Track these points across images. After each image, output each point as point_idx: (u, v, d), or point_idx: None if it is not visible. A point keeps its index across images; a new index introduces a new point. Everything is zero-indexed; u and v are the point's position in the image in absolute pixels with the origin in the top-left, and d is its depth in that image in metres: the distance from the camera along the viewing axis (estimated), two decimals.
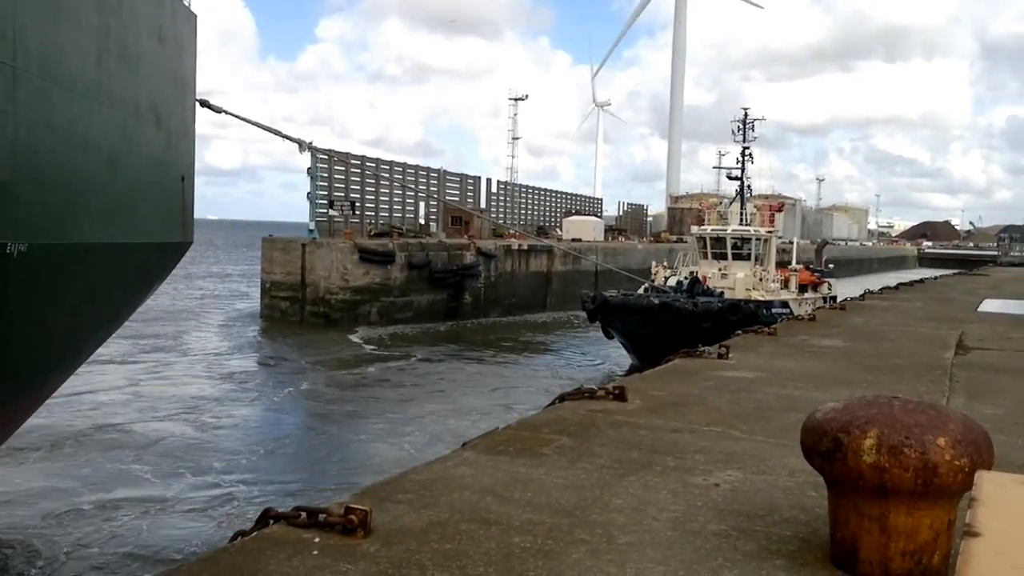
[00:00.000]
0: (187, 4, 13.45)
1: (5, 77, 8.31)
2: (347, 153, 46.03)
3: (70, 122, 9.74)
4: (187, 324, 39.36)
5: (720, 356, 8.18)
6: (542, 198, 75.59)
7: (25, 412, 11.91)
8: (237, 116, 16.11)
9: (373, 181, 48.72)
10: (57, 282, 9.90)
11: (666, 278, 35.88)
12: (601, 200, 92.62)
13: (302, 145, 18.05)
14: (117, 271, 11.74)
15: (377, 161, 50.19)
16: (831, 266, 48.51)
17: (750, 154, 40.41)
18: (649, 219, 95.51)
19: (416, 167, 54.94)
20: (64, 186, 9.71)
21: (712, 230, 37.60)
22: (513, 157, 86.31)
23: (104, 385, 23.14)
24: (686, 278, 34.19)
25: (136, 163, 11.68)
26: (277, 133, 16.87)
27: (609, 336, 32.22)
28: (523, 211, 70.56)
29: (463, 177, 60.30)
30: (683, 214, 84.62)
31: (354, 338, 35.10)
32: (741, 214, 39.11)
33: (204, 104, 14.97)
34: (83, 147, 10.15)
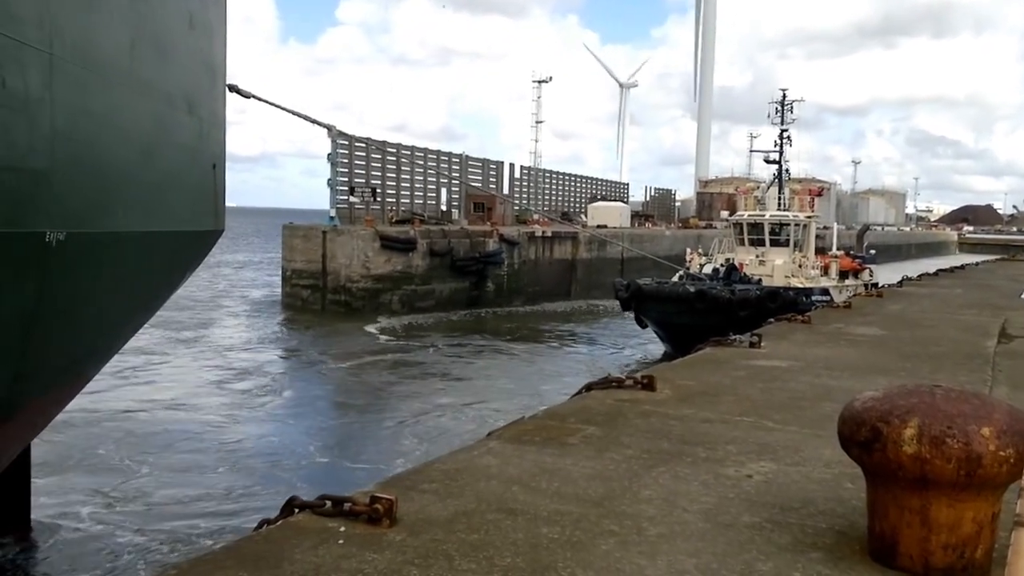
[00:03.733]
0: None
1: (42, 65, 8.46)
2: (368, 138, 46.12)
3: (106, 110, 9.90)
4: (209, 313, 39.84)
5: (752, 344, 8.14)
6: (566, 183, 75.27)
7: (62, 402, 12.16)
8: (265, 101, 16.24)
9: (394, 167, 48.84)
10: (94, 271, 10.12)
11: (701, 265, 35.64)
12: (627, 185, 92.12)
13: (330, 129, 18.15)
14: (152, 260, 11.96)
15: (398, 147, 50.23)
16: (873, 252, 47.89)
17: (788, 137, 39.96)
18: (677, 204, 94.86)
19: (438, 152, 54.95)
20: (101, 175, 9.90)
21: (749, 215, 37.27)
22: (537, 141, 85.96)
23: (126, 374, 23.53)
24: (722, 265, 33.96)
25: (170, 151, 11.85)
26: (305, 118, 16.98)
27: (642, 325, 32.08)
28: (547, 197, 70.29)
29: (486, 162, 60.21)
30: (713, 199, 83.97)
31: (374, 328, 35.29)
32: (779, 199, 38.73)
33: (233, 89, 15.11)
34: (119, 135, 10.33)
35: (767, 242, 35.77)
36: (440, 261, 42.33)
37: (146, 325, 15.70)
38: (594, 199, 75.29)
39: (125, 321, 12.76)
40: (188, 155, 12.85)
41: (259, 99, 16.40)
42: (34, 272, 8.94)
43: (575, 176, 77.56)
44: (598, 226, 60.46)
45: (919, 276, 20.48)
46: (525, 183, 66.50)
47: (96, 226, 9.89)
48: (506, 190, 61.83)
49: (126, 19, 10.45)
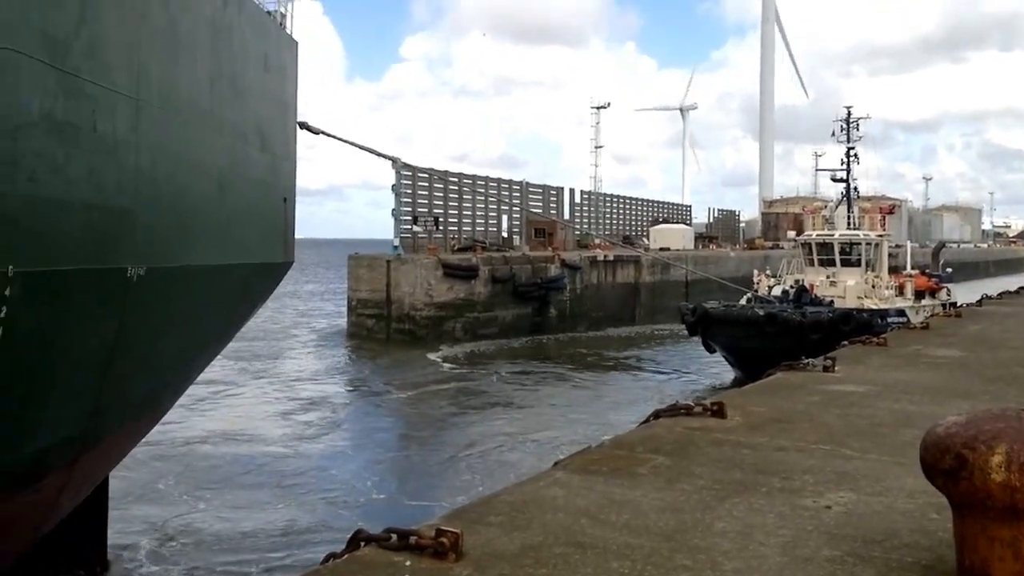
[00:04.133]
0: (288, 32, 14.11)
1: (130, 109, 8.91)
2: (430, 169, 46.86)
3: (185, 148, 10.37)
4: (277, 343, 40.74)
5: (825, 369, 7.98)
6: (627, 207, 75.02)
7: (139, 435, 12.56)
8: (333, 136, 16.79)
9: (456, 196, 49.41)
10: (171, 304, 10.47)
11: (770, 287, 35.05)
12: (690, 207, 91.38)
13: (394, 161, 18.58)
14: (225, 292, 12.36)
15: (460, 176, 50.87)
16: (949, 270, 46.39)
17: (855, 154, 39.21)
18: (742, 225, 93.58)
19: (499, 180, 55.46)
20: (179, 210, 10.33)
21: (818, 235, 36.55)
22: (596, 166, 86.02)
23: (192, 405, 24.12)
24: (792, 287, 33.33)
25: (243, 186, 12.33)
26: (370, 151, 17.45)
27: (710, 350, 31.62)
28: (608, 221, 70.11)
29: (546, 188, 60.43)
30: (778, 219, 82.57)
31: (437, 356, 35.52)
32: (848, 217, 37.94)
33: (304, 126, 15.69)
34: (196, 172, 10.80)
35: (837, 262, 34.97)
36: (502, 288, 42.50)
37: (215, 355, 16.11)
38: (656, 222, 74.83)
39: (199, 354, 13.17)
40: (260, 189, 13.34)
41: (327, 135, 16.94)
42: (115, 307, 9.29)
43: (636, 199, 77.25)
44: (661, 249, 59.98)
45: (999, 294, 19.77)
46: (586, 208, 66.48)
47: (173, 260, 10.27)
48: (567, 215, 61.89)
49: (206, 63, 10.94)
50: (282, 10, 13.76)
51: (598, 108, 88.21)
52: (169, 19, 9.94)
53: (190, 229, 10.78)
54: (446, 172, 49.71)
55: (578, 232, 59.51)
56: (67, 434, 9.20)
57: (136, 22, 9.17)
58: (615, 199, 73.55)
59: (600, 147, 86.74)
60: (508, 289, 42.60)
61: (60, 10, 7.89)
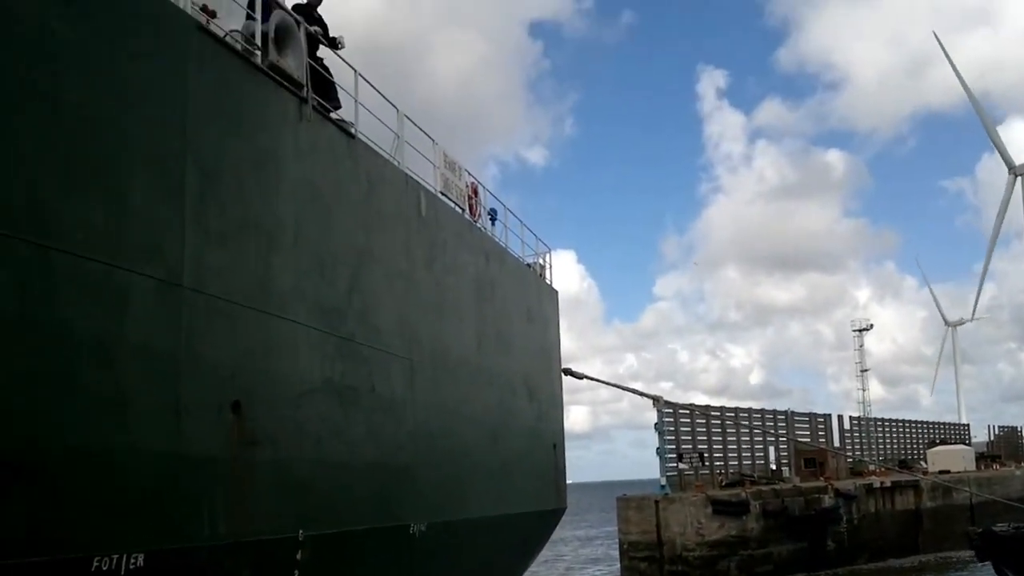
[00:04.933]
0: (549, 282, 14.12)
1: (404, 369, 8.77)
2: (691, 404, 44.98)
3: (458, 403, 10.10)
4: None
5: None
6: (900, 430, 67.55)
7: None
8: (596, 379, 16.13)
9: (719, 429, 46.65)
10: (453, 558, 9.77)
11: None
12: (968, 426, 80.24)
13: (656, 400, 17.45)
14: (503, 542, 11.53)
15: (722, 409, 48.29)
16: None
17: None
18: None
19: (762, 410, 51.96)
20: (455, 464, 9.90)
21: None
22: (863, 390, 78.83)
23: None
24: None
25: (514, 435, 11.86)
26: (633, 391, 16.50)
27: None
28: (881, 445, 63.05)
29: (812, 416, 55.75)
30: None
31: None
32: None
33: (568, 372, 15.22)
34: (470, 425, 10.46)
35: None
36: (775, 522, 38.03)
37: None
38: (932, 443, 66.40)
39: None
40: (531, 438, 12.69)
41: (590, 378, 16.28)
42: (399, 564, 8.62)
43: (909, 422, 69.43)
44: (940, 472, 52.21)
45: None
46: (856, 434, 60.25)
47: (453, 514, 9.62)
48: (836, 443, 56.15)
49: (473, 320, 10.82)
50: (541, 261, 13.80)
51: (860, 331, 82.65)
52: (435, 281, 10.02)
53: (467, 482, 10.20)
54: (707, 407, 47.49)
55: (850, 459, 53.54)
56: None
57: (404, 286, 9.26)
58: (887, 423, 66.58)
59: (866, 370, 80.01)
60: (781, 523, 37.99)
61: (333, 282, 8.01)
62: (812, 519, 38.66)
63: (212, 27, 7.50)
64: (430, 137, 11.36)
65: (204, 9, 7.98)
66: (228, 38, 7.66)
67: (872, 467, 49.77)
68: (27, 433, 5.04)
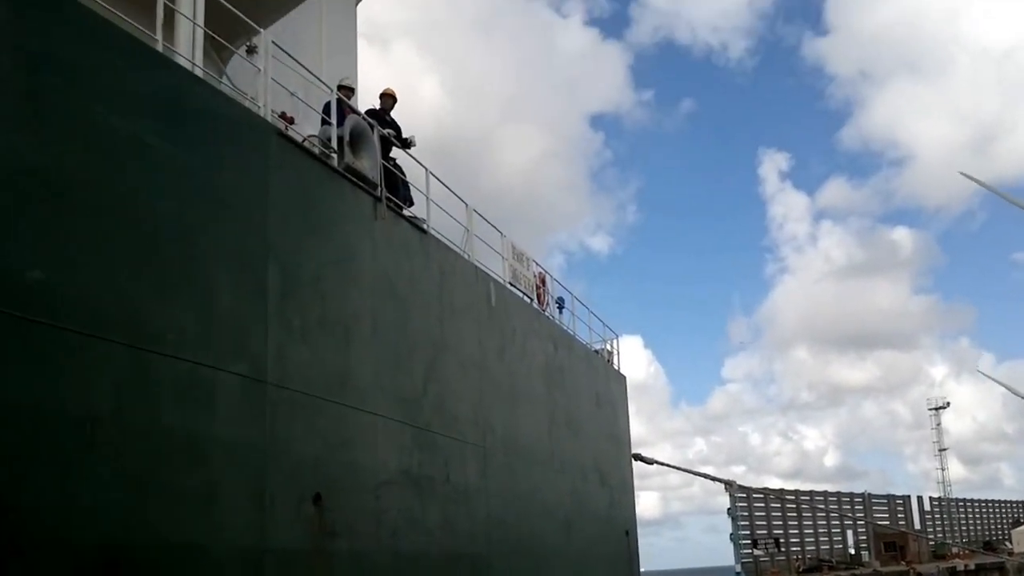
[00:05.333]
0: (617, 368, 13.89)
1: (478, 458, 8.61)
2: (765, 488, 43.07)
3: (531, 491, 9.84)
4: None
5: None
6: (983, 510, 63.40)
7: None
8: (667, 464, 15.58)
9: (795, 514, 44.34)
10: None
11: None
12: None
13: (729, 485, 16.74)
14: None
15: (796, 493, 46.13)
16: None
17: None
18: None
19: (838, 493, 49.47)
20: (529, 553, 9.56)
21: None
22: (943, 470, 74.43)
23: None
24: None
25: (587, 522, 11.48)
26: (705, 476, 15.87)
27: None
28: (964, 527, 59.06)
29: (890, 498, 52.76)
30: None
31: None
32: None
33: (638, 457, 14.77)
34: (543, 513, 10.15)
35: None
36: None
37: None
38: (1017, 523, 61.85)
39: None
40: (603, 525, 12.24)
41: (661, 463, 15.74)
42: None
43: (992, 502, 65.35)
44: None
45: None
46: (937, 515, 56.61)
47: None
48: (917, 525, 52.78)
49: (544, 407, 10.64)
50: (608, 347, 13.60)
51: (936, 409, 78.74)
52: (507, 369, 9.93)
53: (541, 570, 9.80)
54: (782, 490, 45.42)
55: (932, 542, 50.17)
56: None
57: (477, 375, 9.18)
58: (969, 503, 62.56)
59: (944, 449, 75.72)
60: None
61: (409, 373, 7.99)
62: None
63: (291, 132, 7.83)
64: (498, 229, 11.50)
65: (283, 116, 8.35)
66: (306, 143, 7.96)
67: (955, 549, 46.46)
68: (120, 529, 5.05)
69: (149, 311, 5.47)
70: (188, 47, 7.01)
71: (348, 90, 9.40)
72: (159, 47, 6.19)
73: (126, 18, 5.99)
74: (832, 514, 45.78)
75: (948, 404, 77.31)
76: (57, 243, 5.01)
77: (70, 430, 4.86)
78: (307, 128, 8.81)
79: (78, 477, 4.86)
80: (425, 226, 9.31)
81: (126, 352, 5.24)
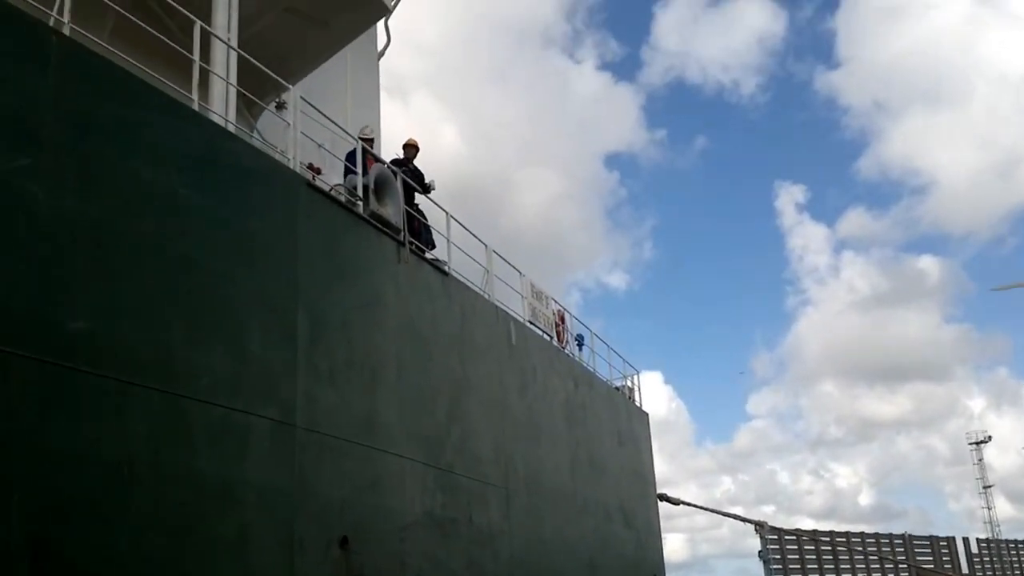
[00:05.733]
0: (639, 405, 13.96)
1: (500, 499, 8.74)
2: (797, 529, 42.13)
3: (554, 532, 9.90)
4: None
5: None
6: None
7: None
8: (694, 505, 15.53)
9: (830, 556, 43.24)
10: None
11: None
12: None
13: (760, 526, 16.61)
14: None
15: (831, 534, 44.99)
16: None
17: None
18: None
19: (876, 535, 48.10)
20: None
21: None
22: (989, 508, 72.11)
23: None
24: None
25: (613, 565, 11.45)
26: (734, 517, 15.78)
27: None
28: (1016, 569, 56.78)
29: (934, 539, 51.02)
30: None
31: None
32: None
33: (663, 498, 14.74)
34: (567, 554, 10.18)
35: None
36: None
37: None
38: None
39: None
40: (629, 567, 12.20)
41: (687, 504, 15.71)
42: None
43: None
44: None
45: None
46: (986, 557, 54.72)
47: None
48: (964, 568, 51.07)
49: (565, 446, 10.77)
50: (629, 384, 13.72)
51: (977, 443, 76.66)
52: (528, 407, 10.10)
53: None
54: (815, 532, 44.35)
55: None
56: None
57: (498, 415, 9.36)
58: (1020, 544, 60.26)
59: (989, 486, 73.48)
60: None
61: (433, 414, 8.21)
62: None
63: (318, 182, 8.23)
64: (517, 269, 11.81)
65: (311, 167, 8.78)
66: (333, 191, 8.35)
67: None
68: (157, 575, 5.27)
69: (184, 358, 5.79)
70: (221, 105, 7.47)
71: (368, 141, 9.85)
72: (195, 105, 6.63)
73: (164, 80, 6.43)
74: (871, 557, 44.65)
75: (990, 438, 75.10)
76: (98, 293, 5.36)
77: (108, 476, 5.13)
78: (333, 178, 9.23)
79: (116, 523, 5.10)
80: (446, 268, 9.63)
81: (162, 398, 5.54)
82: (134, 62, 6.22)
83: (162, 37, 6.86)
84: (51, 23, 5.76)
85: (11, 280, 4.90)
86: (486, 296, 10.47)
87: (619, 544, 11.93)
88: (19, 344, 4.82)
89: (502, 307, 10.79)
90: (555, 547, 9.94)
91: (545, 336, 11.95)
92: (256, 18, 9.20)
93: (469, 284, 10.17)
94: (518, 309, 11.40)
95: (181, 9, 7.09)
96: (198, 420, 5.75)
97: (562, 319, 12.94)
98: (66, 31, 5.71)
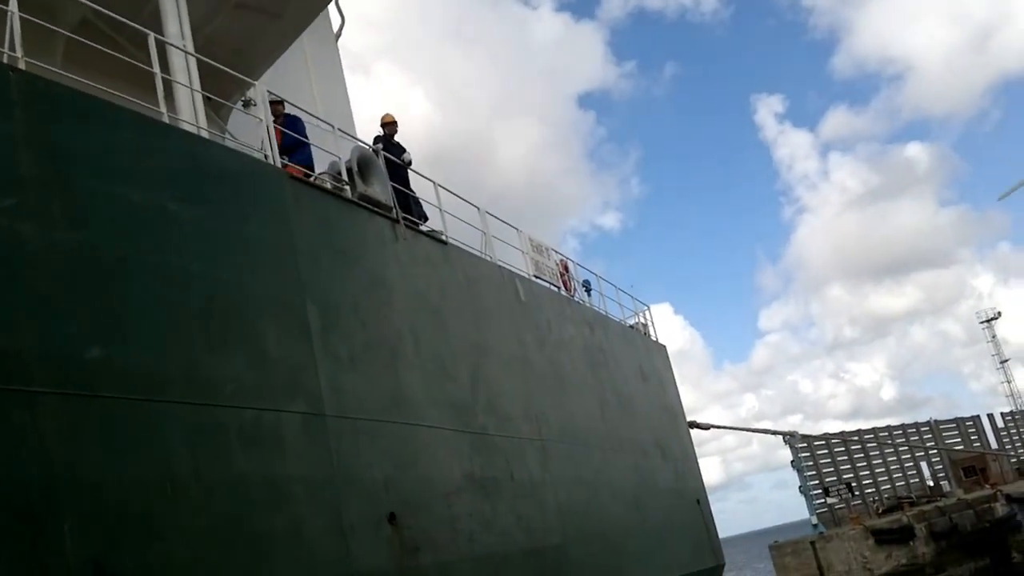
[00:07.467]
0: (655, 339, 14.04)
1: (537, 451, 8.85)
2: (825, 434, 42.80)
3: (595, 475, 10.06)
4: None
5: None
6: None
7: None
8: (723, 427, 15.71)
9: (862, 454, 43.97)
10: None
11: None
12: None
13: (790, 436, 16.82)
14: None
15: (859, 432, 45.67)
16: None
17: None
18: None
19: (903, 426, 48.79)
20: (603, 536, 9.77)
21: None
22: (1008, 382, 72.94)
23: None
24: None
25: (656, 497, 11.64)
26: (764, 431, 15.98)
27: None
28: None
29: (960, 421, 51.85)
30: None
31: None
32: None
33: (693, 424, 14.92)
34: (611, 495, 10.35)
35: None
36: (947, 543, 34.93)
37: None
38: None
39: None
40: (673, 497, 12.41)
41: (718, 427, 15.90)
42: None
43: None
44: None
45: None
46: (1013, 430, 55.55)
47: None
48: (993, 444, 51.87)
49: (592, 391, 10.85)
50: (641, 319, 13.78)
51: (988, 321, 77.20)
52: (548, 359, 10.16)
53: (619, 551, 10.02)
54: (843, 433, 45.03)
55: (1014, 459, 49.20)
56: None
57: (521, 371, 9.42)
58: None
59: (1006, 361, 74.17)
60: (955, 542, 34.89)
61: (457, 379, 8.26)
62: (988, 532, 35.36)
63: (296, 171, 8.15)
64: (513, 227, 11.76)
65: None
66: (317, 180, 8.29)
67: None
68: None
69: (205, 367, 5.81)
70: (190, 112, 7.37)
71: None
72: (164, 118, 6.54)
73: (129, 98, 6.34)
74: (901, 448, 45.31)
75: (1000, 314, 75.64)
76: (107, 318, 5.36)
77: (152, 494, 5.19)
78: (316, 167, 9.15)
79: (168, 537, 5.18)
80: (444, 237, 9.60)
81: (192, 411, 5.58)
82: (95, 85, 6.12)
83: (116, 55, 6.75)
84: (4, 59, 5.65)
85: (20, 320, 4.89)
86: (488, 258, 10.46)
87: (659, 476, 12.11)
88: (41, 382, 4.83)
89: (506, 266, 10.79)
90: (598, 489, 10.09)
91: (552, 288, 11.97)
92: (208, 20, 9.04)
93: (469, 249, 10.16)
94: (521, 265, 11.40)
95: (130, 23, 6.95)
96: (231, 426, 5.79)
97: (566, 268, 12.95)
98: (21, 65, 5.61)
